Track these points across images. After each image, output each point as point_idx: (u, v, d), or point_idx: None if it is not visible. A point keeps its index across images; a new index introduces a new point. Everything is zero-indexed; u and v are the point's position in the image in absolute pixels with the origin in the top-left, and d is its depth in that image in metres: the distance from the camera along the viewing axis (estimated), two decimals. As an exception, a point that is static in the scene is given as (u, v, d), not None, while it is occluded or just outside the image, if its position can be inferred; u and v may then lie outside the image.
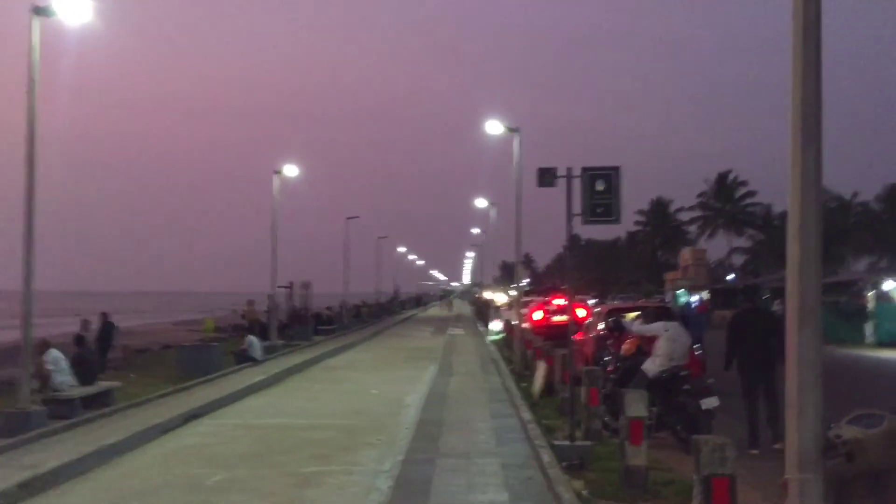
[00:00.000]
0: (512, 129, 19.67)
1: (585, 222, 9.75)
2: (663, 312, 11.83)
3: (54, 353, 13.81)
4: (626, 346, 10.99)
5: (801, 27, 4.48)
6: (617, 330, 12.69)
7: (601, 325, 15.33)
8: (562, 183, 9.84)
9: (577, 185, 9.69)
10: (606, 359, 12.30)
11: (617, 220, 9.69)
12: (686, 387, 9.80)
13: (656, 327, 10.38)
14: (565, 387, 13.11)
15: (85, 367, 14.76)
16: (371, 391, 16.72)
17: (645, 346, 10.81)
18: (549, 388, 15.13)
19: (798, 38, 4.49)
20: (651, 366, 10.12)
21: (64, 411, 13.22)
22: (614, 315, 14.78)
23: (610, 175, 9.61)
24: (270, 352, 25.19)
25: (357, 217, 46.18)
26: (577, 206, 9.70)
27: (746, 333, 10.39)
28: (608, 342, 12.80)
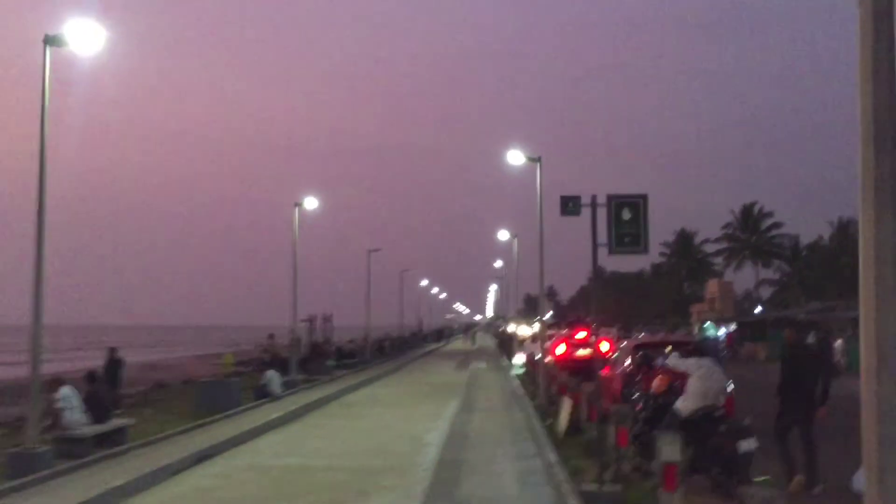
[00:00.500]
0: (533, 159, 19.27)
1: (612, 252, 9.31)
2: (697, 348, 11.08)
3: (66, 391, 13.47)
4: (657, 384, 10.43)
5: (870, 16, 3.95)
6: (645, 366, 12.15)
7: (628, 361, 14.77)
8: (586, 212, 9.40)
9: (602, 214, 9.26)
10: (635, 396, 11.74)
11: (645, 250, 9.24)
12: (722, 428, 9.22)
13: (689, 364, 9.83)
14: (592, 425, 12.58)
15: (98, 405, 14.39)
16: (390, 429, 16.22)
17: (677, 384, 10.26)
18: (574, 426, 14.56)
19: (867, 29, 3.96)
20: (684, 405, 9.56)
21: (76, 450, 12.88)
22: (642, 350, 14.23)
23: (637, 203, 9.17)
24: (291, 387, 24.78)
25: (379, 250, 45.88)
26: (602, 236, 9.26)
27: (795, 370, 9.89)
28: (637, 378, 12.24)
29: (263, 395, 21.53)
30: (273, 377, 21.89)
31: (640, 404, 10.74)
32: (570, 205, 9.28)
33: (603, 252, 9.43)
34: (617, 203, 9.17)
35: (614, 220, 9.13)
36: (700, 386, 9.49)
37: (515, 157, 19.49)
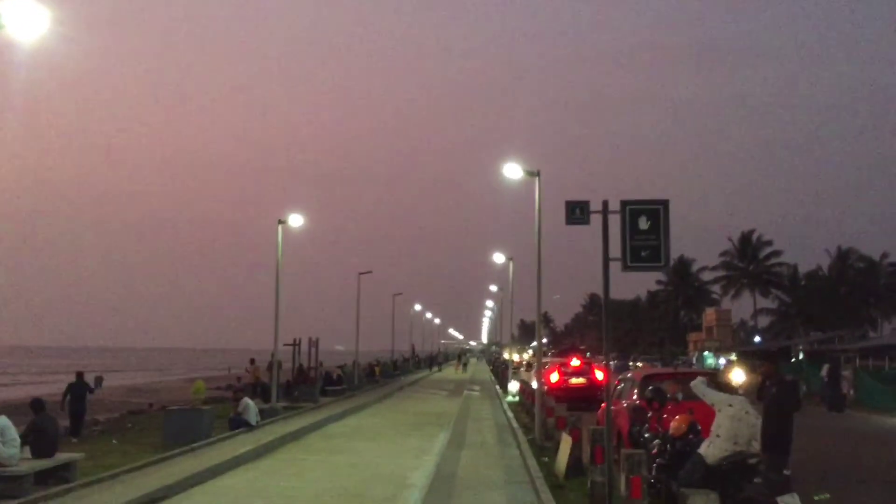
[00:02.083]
0: (531, 173, 17.90)
1: (626, 268, 7.87)
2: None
3: (1, 422, 11.94)
4: (676, 424, 8.93)
5: None
6: (657, 401, 10.67)
7: (635, 394, 13.27)
8: (595, 222, 7.97)
9: (615, 222, 7.84)
10: (646, 436, 10.25)
11: (665, 266, 7.82)
12: (756, 480, 7.75)
13: (718, 398, 8.33)
14: (597, 468, 11.07)
15: (42, 437, 12.86)
16: (371, 467, 14.65)
17: (700, 423, 8.79)
18: (575, 467, 13.06)
19: None
20: (709, 450, 8.09)
21: (12, 489, 11.38)
22: (652, 383, 12.74)
23: (656, 210, 7.76)
24: (271, 415, 23.22)
25: (370, 272, 44.38)
26: (615, 249, 7.83)
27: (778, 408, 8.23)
28: (647, 415, 10.74)
29: (239, 424, 19.97)
30: (248, 405, 20.30)
31: (655, 448, 9.21)
32: (577, 211, 7.87)
33: (614, 264, 7.98)
34: (632, 210, 7.76)
35: (629, 229, 7.70)
36: (730, 427, 8.02)
37: (513, 171, 18.09)
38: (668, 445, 8.87)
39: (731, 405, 8.14)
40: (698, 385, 8.61)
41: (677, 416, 8.99)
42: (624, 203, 7.80)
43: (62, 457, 13.05)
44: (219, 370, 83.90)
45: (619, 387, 15.58)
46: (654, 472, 8.81)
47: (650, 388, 10.98)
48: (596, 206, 7.90)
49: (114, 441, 19.63)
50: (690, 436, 8.67)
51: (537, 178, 17.74)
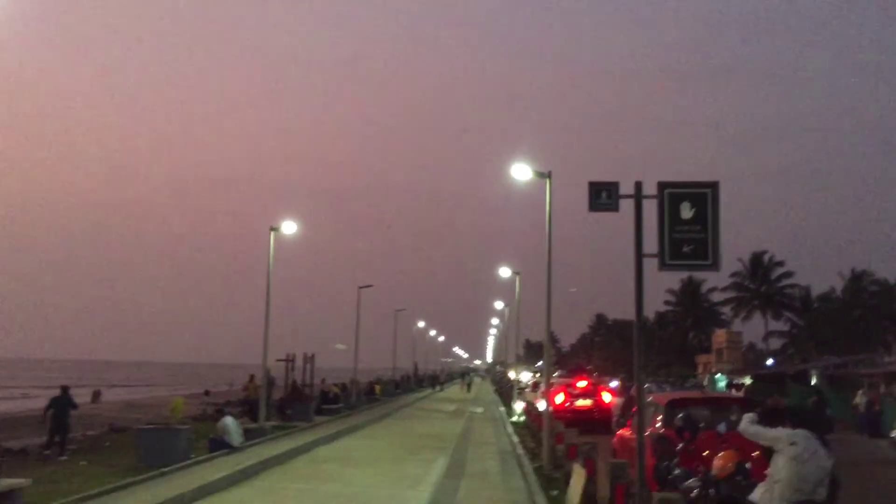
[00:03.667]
0: (542, 174, 16.34)
1: (664, 267, 6.27)
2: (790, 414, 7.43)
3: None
4: (721, 462, 7.25)
5: None
6: (688, 432, 9.03)
7: (659, 422, 11.61)
8: (627, 209, 6.40)
9: (650, 211, 6.26)
10: (676, 472, 8.60)
11: (714, 266, 6.20)
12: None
13: (777, 435, 6.69)
14: (617, 510, 9.43)
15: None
16: (357, 499, 13.00)
17: (750, 463, 7.16)
18: (589, 502, 11.43)
19: None
20: (765, 498, 6.48)
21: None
22: (680, 408, 11.09)
23: (703, 196, 6.16)
24: (259, 435, 21.61)
25: (370, 286, 42.69)
26: (650, 244, 6.24)
27: None
28: (676, 448, 9.09)
29: (220, 445, 18.38)
30: (230, 425, 18.69)
31: (694, 491, 7.54)
32: (603, 195, 6.26)
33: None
34: (673, 195, 6.18)
35: (669, 218, 6.11)
36: (793, 471, 6.39)
37: (521, 172, 16.52)
38: (712, 489, 7.21)
39: (794, 443, 6.50)
40: (749, 425, 6.92)
41: (722, 454, 7.31)
42: (662, 185, 6.22)
43: (6, 483, 11.46)
44: (223, 386, 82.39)
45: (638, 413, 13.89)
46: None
47: (680, 415, 9.32)
48: (627, 189, 6.32)
49: (82, 463, 18.04)
50: (738, 477, 7.03)
51: (548, 181, 16.18)
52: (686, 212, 6.14)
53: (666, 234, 6.17)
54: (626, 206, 6.37)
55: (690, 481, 7.80)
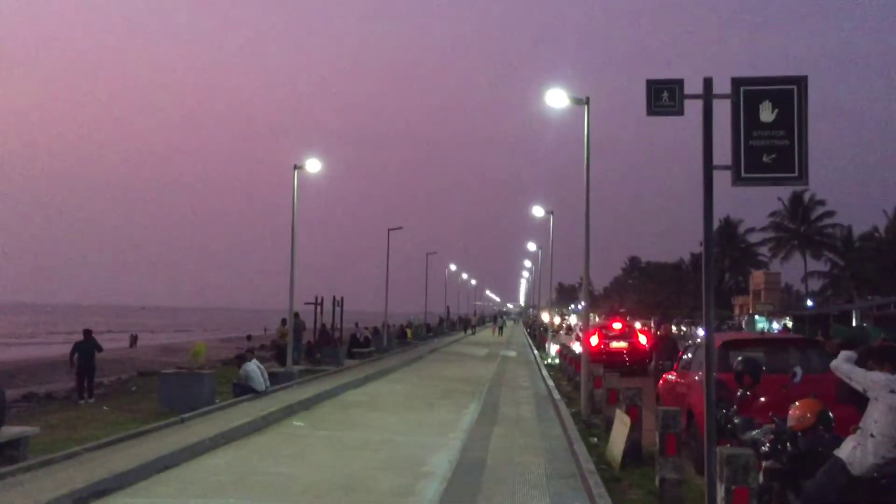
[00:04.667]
0: (579, 101, 15.12)
1: (739, 181, 5.18)
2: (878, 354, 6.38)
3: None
4: (800, 412, 6.22)
5: None
6: (749, 376, 8.01)
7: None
8: (693, 112, 5.30)
9: (721, 112, 5.16)
10: (736, 421, 7.62)
11: (802, 179, 5.11)
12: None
13: (874, 380, 5.65)
14: (667, 461, 8.52)
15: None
16: (385, 446, 12.24)
17: (831, 413, 6.15)
18: (634, 453, 10.55)
19: None
20: (856, 454, 5.49)
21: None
22: (736, 350, 10.07)
23: (788, 93, 5.05)
24: (287, 379, 21.02)
25: (400, 228, 41.81)
26: (722, 155, 5.17)
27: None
28: (737, 395, 8.08)
29: (244, 390, 17.77)
30: (253, 370, 18.04)
31: (766, 444, 6.53)
32: (664, 96, 5.17)
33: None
34: (749, 93, 5.09)
35: (745, 123, 5.02)
36: (892, 423, 5.39)
37: (557, 99, 15.29)
38: (788, 443, 6.22)
39: (894, 391, 5.48)
40: (841, 365, 5.91)
41: (799, 402, 6.29)
42: (737, 82, 5.12)
43: (11, 431, 10.83)
44: (256, 331, 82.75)
45: (684, 357, 12.91)
46: (761, 479, 6.19)
47: (740, 358, 8.30)
48: (694, 88, 5.22)
49: (105, 408, 17.55)
50: (820, 429, 6.03)
51: (586, 107, 14.97)
52: (766, 114, 5.05)
53: (742, 142, 5.08)
54: (692, 110, 5.27)
55: (755, 433, 6.81)
